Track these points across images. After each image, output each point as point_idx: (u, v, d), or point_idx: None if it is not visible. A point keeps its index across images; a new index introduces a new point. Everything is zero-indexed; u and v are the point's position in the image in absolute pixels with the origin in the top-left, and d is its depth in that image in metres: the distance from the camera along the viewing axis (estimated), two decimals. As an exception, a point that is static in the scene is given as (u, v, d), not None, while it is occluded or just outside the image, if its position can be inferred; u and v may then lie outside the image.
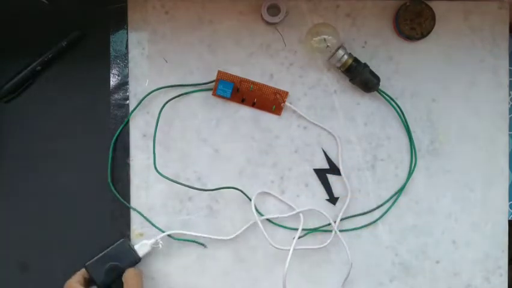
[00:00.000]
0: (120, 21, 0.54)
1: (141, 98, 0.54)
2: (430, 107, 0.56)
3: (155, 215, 0.54)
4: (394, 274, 0.56)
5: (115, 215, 0.54)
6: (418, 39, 0.54)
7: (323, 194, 0.55)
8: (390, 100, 0.55)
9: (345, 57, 0.52)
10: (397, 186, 0.56)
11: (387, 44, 0.55)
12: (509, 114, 0.57)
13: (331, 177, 0.55)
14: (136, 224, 0.54)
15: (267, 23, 0.54)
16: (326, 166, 0.55)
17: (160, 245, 0.53)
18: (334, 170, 0.55)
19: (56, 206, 0.54)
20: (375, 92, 0.55)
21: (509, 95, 0.57)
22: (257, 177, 0.55)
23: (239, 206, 0.54)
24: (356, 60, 0.53)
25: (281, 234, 0.55)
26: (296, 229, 0.54)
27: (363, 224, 0.55)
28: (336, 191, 0.55)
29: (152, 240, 0.53)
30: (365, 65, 0.53)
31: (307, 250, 0.55)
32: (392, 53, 0.55)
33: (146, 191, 0.54)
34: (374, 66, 0.54)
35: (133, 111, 0.54)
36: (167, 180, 0.53)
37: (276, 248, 0.52)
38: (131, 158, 0.54)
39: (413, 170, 0.55)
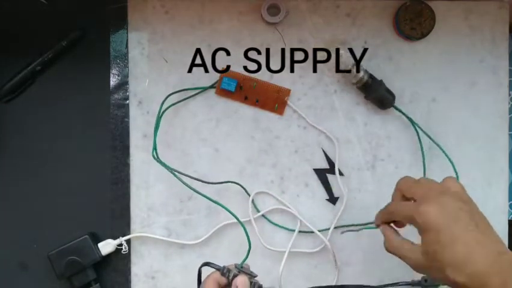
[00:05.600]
0: (120, 21, 0.54)
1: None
2: (430, 107, 0.56)
3: (155, 215, 0.54)
4: (394, 274, 0.56)
5: (115, 215, 0.54)
6: (418, 39, 0.54)
7: (323, 194, 0.55)
8: (407, 118, 0.54)
9: (361, 74, 0.52)
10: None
11: (387, 44, 0.55)
12: (509, 114, 0.57)
13: (331, 177, 0.55)
14: (136, 223, 0.54)
15: (267, 23, 0.54)
16: (326, 166, 0.55)
17: (124, 247, 0.53)
18: (334, 170, 0.55)
19: (56, 206, 0.54)
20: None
21: (509, 95, 0.57)
22: (257, 177, 0.55)
23: (239, 206, 0.54)
24: (371, 76, 0.53)
25: (281, 234, 0.55)
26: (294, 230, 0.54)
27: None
28: (336, 191, 0.55)
29: (117, 241, 0.53)
30: (381, 82, 0.53)
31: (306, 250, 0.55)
32: (392, 53, 0.55)
33: (146, 191, 0.54)
34: (374, 66, 0.54)
35: (158, 115, 0.54)
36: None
37: (268, 248, 0.53)
38: (131, 158, 0.54)
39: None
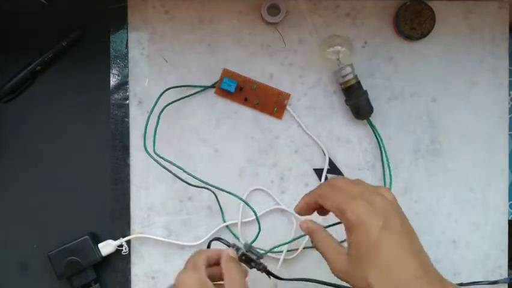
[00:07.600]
0: (120, 21, 0.54)
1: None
2: (430, 107, 0.56)
3: (155, 215, 0.54)
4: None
5: (115, 214, 0.54)
6: (418, 39, 0.54)
7: (323, 194, 0.55)
8: (375, 132, 0.55)
9: (350, 76, 0.52)
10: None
11: (387, 44, 0.55)
12: (509, 114, 0.57)
13: (331, 177, 0.55)
14: (136, 223, 0.54)
15: (267, 23, 0.54)
16: (326, 166, 0.55)
17: (124, 248, 0.53)
18: (334, 170, 0.55)
19: (56, 206, 0.54)
20: (374, 92, 0.54)
21: (509, 95, 0.57)
22: (257, 177, 0.55)
23: (238, 206, 0.54)
24: (359, 83, 0.53)
25: (280, 234, 0.55)
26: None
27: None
28: (336, 191, 0.55)
29: (117, 242, 0.53)
30: (365, 92, 0.53)
31: (306, 249, 0.55)
32: (392, 53, 0.55)
33: (146, 191, 0.54)
34: (374, 66, 0.54)
35: (152, 110, 0.54)
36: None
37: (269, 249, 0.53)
38: (131, 158, 0.54)
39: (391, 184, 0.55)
